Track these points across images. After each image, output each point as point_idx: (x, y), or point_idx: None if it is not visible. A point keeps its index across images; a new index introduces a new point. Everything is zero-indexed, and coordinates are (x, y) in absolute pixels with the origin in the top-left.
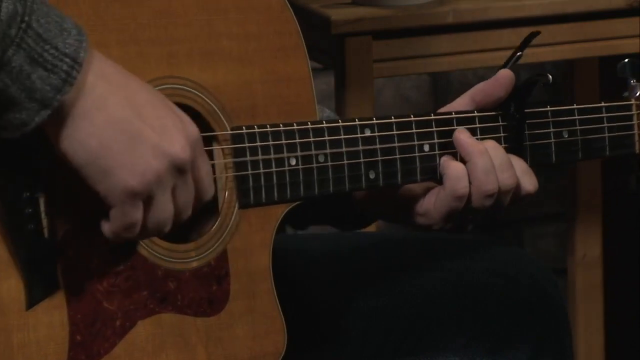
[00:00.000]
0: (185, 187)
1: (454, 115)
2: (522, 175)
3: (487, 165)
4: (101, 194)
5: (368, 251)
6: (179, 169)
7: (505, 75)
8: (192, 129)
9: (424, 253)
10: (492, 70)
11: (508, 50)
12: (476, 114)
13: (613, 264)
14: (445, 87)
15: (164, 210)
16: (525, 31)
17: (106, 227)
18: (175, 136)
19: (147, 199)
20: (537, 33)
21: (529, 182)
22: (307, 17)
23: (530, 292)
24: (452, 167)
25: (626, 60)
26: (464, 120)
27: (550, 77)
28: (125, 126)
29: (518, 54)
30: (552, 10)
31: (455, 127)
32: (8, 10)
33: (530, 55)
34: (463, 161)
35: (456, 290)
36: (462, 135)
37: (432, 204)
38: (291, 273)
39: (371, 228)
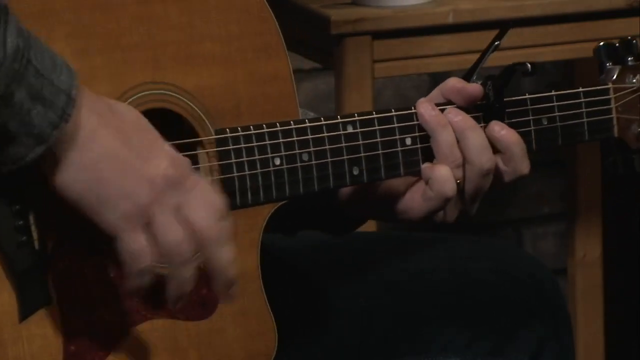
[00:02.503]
0: (192, 201)
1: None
2: (521, 157)
3: (449, 139)
4: (100, 225)
5: (368, 250)
6: (172, 185)
7: (473, 91)
8: (171, 150)
9: (425, 253)
10: (493, 70)
11: (508, 50)
12: (456, 105)
13: (613, 264)
14: None
15: (168, 231)
16: (526, 31)
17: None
18: (160, 157)
19: (148, 224)
20: (511, 25)
21: (525, 166)
22: (307, 17)
23: (530, 292)
24: (437, 170)
25: (602, 43)
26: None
27: (529, 65)
28: (116, 156)
29: (496, 42)
30: (552, 10)
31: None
32: (13, 45)
33: (530, 55)
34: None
35: (457, 290)
36: (421, 108)
37: (415, 202)
38: (290, 271)
39: (372, 227)
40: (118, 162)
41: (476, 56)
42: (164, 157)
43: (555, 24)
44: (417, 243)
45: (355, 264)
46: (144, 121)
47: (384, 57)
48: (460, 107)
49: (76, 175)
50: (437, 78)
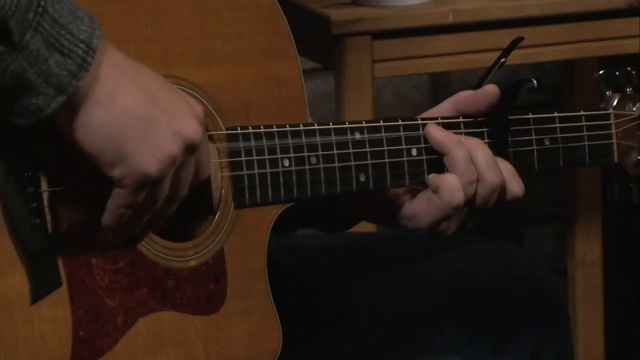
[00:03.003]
0: (188, 167)
1: (440, 121)
2: (509, 177)
3: (466, 155)
4: (115, 177)
5: (369, 251)
6: (190, 149)
7: (490, 91)
8: (199, 108)
9: (425, 253)
10: (495, 72)
11: None
12: (461, 119)
13: (613, 264)
14: (445, 87)
15: (163, 190)
16: (526, 31)
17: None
18: (187, 118)
19: (156, 184)
20: (521, 39)
21: (515, 185)
22: (307, 17)
23: (531, 292)
24: (445, 179)
25: (601, 72)
26: (450, 126)
27: (535, 81)
28: (140, 112)
29: (502, 60)
30: (552, 10)
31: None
32: None
33: (530, 55)
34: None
35: (457, 290)
36: (433, 130)
37: (422, 209)
38: (291, 272)
39: (371, 227)
40: (141, 119)
41: (476, 56)
42: (192, 116)
43: (555, 24)
44: (417, 243)
45: (355, 264)
46: (168, 83)
47: (384, 57)
48: (468, 117)
49: (97, 129)
50: (437, 78)
